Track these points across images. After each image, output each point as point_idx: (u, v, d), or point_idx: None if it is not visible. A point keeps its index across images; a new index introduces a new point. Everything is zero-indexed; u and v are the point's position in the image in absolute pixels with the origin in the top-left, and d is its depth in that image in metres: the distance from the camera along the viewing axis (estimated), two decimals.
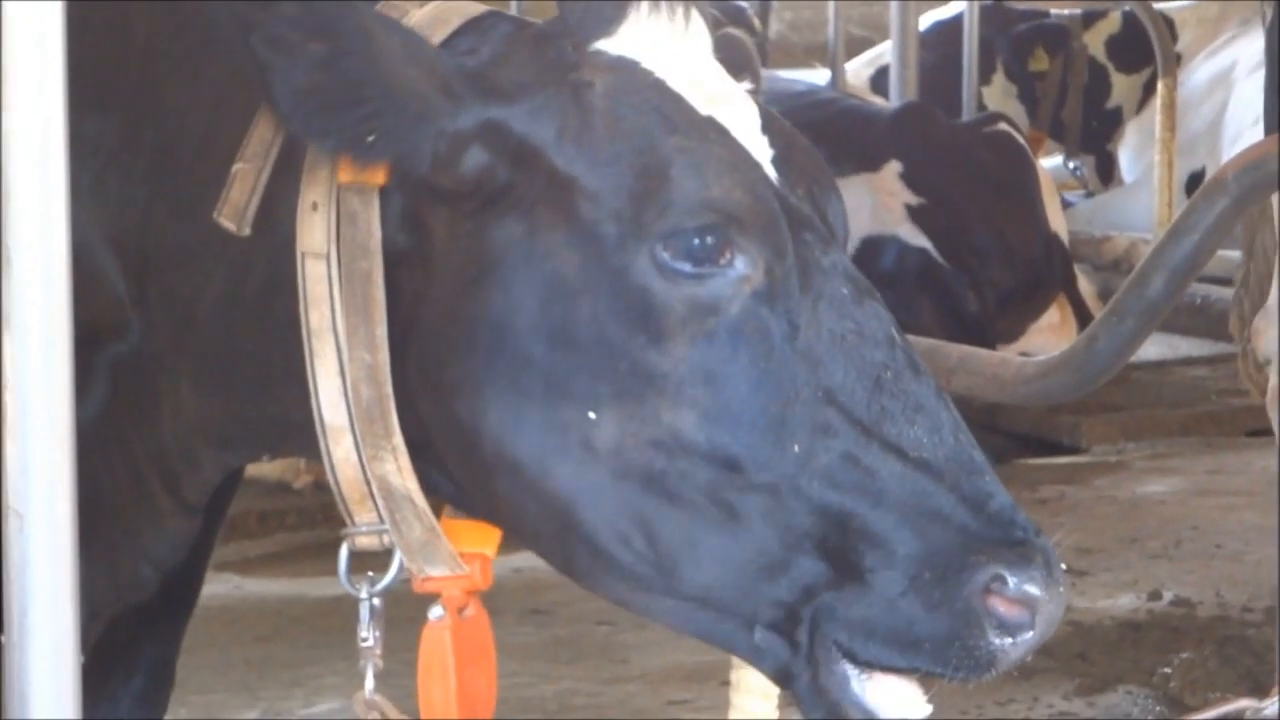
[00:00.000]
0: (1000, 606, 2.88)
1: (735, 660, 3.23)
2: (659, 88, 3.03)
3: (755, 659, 3.05)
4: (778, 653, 2.99)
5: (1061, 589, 2.91)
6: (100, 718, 3.79)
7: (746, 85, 3.13)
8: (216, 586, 3.86)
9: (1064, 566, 2.94)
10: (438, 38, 3.12)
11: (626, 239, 2.96)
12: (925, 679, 2.97)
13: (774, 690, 3.17)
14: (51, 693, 2.51)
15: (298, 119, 2.95)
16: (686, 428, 2.94)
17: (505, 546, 3.21)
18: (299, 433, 3.13)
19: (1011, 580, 2.88)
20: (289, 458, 7.04)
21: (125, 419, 3.38)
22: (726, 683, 3.30)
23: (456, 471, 3.10)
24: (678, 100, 3.02)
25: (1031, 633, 2.90)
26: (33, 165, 2.45)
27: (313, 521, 8.42)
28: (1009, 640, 2.90)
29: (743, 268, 2.95)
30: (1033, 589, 2.88)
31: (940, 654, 2.92)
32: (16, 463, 2.48)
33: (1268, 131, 6.65)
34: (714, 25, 3.16)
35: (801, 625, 2.95)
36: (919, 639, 2.91)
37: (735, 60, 3.16)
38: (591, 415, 2.96)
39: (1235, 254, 9.09)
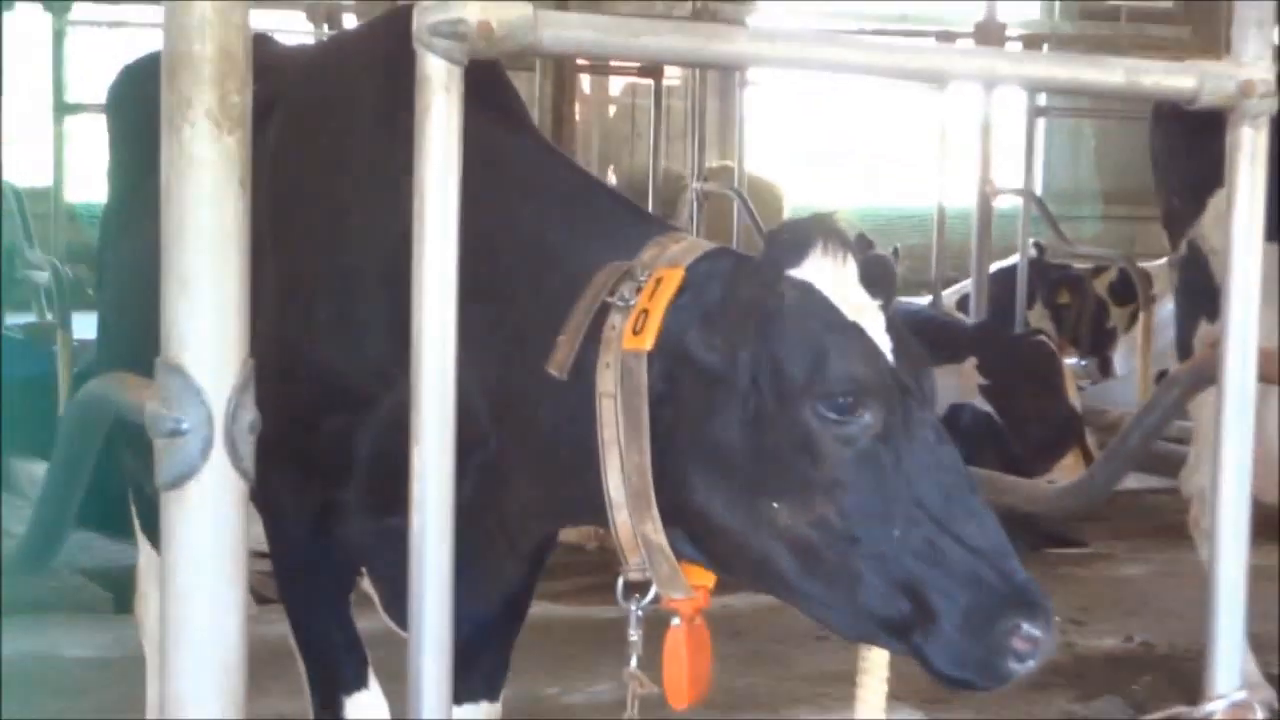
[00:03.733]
0: (1016, 642, 2.89)
1: (860, 663, 3.22)
2: (825, 302, 3.04)
3: (884, 646, 3.09)
4: (896, 647, 3.01)
5: (1054, 634, 2.93)
6: (466, 690, 3.82)
7: (879, 300, 3.12)
8: (535, 609, 3.88)
9: (1058, 619, 2.94)
10: (687, 261, 3.14)
11: (799, 397, 2.98)
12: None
13: (885, 676, 3.18)
14: (435, 673, 2.51)
15: None
16: (830, 516, 2.95)
17: (717, 588, 3.21)
18: (591, 508, 3.15)
19: (1025, 626, 2.89)
20: (583, 526, 7.03)
21: (484, 501, 3.40)
22: (854, 681, 3.27)
23: (694, 535, 3.10)
24: (835, 310, 3.03)
25: (1034, 660, 2.91)
26: (436, 345, 2.47)
27: (598, 570, 8.36)
28: (1018, 665, 2.91)
29: (869, 419, 2.97)
30: (1037, 633, 2.89)
31: (977, 670, 2.93)
32: (418, 526, 2.49)
33: (1179, 347, 6.68)
34: (863, 251, 3.17)
35: (907, 643, 2.96)
36: (966, 660, 2.92)
37: (879, 273, 3.17)
38: (775, 505, 2.98)
39: (1186, 423, 9.01)
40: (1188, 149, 6.87)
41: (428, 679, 2.49)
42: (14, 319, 12.07)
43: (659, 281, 3.13)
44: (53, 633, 7.64)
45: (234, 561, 2.23)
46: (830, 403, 2.97)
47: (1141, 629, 8.09)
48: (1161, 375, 10.15)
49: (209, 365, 2.21)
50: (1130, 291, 13.08)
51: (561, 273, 3.28)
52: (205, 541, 2.21)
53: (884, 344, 3.05)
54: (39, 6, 12.95)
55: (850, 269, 3.10)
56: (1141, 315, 11.88)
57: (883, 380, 3.00)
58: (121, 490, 5.14)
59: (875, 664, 3.20)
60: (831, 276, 3.07)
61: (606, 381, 3.11)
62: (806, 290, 3.05)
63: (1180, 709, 3.03)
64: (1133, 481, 10.34)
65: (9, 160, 12.97)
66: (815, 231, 3.09)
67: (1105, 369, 14.27)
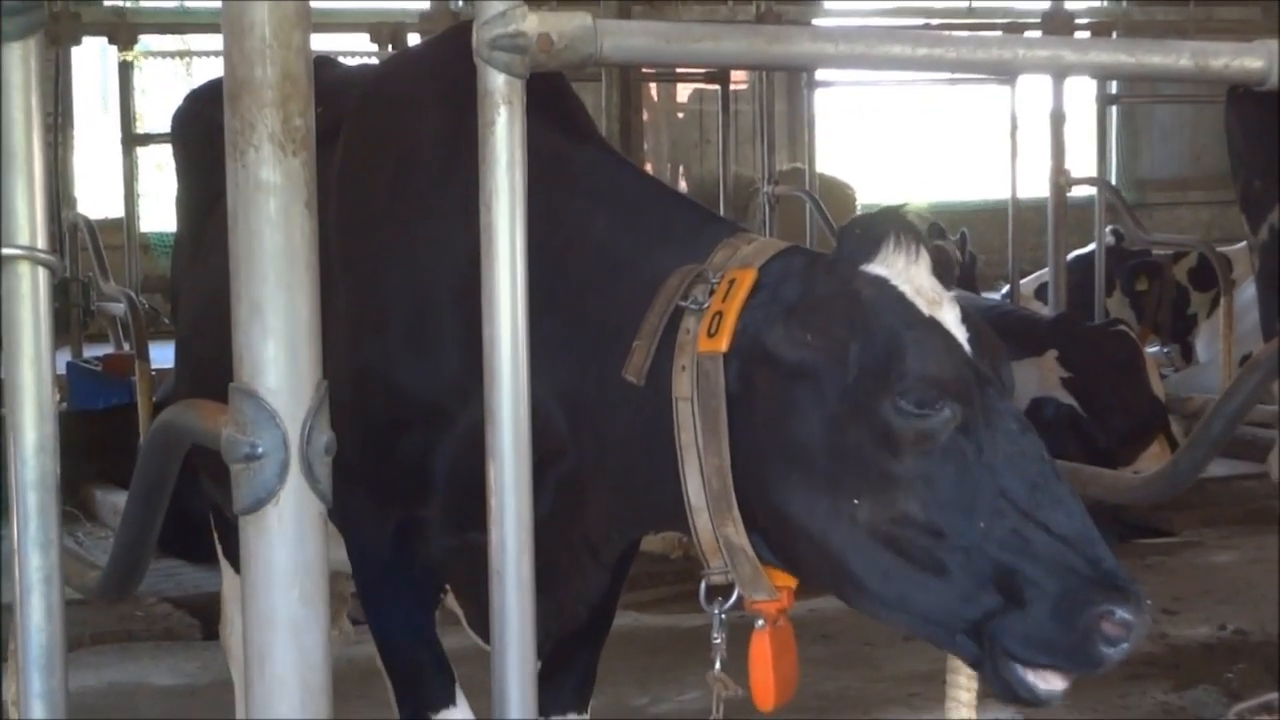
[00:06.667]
0: (1107, 628, 2.85)
1: (950, 662, 3.20)
2: (899, 296, 3.03)
3: (956, 653, 3.05)
4: (970, 649, 2.97)
5: (1147, 617, 2.89)
6: (552, 702, 3.83)
7: (952, 292, 3.11)
8: (621, 619, 3.88)
9: (1149, 602, 2.91)
10: (759, 261, 3.14)
11: (877, 392, 2.96)
12: (1065, 674, 2.95)
13: (975, 677, 3.14)
14: (518, 688, 2.52)
15: None
16: (913, 511, 2.93)
17: (804, 593, 3.20)
18: (670, 514, 3.15)
19: (1116, 612, 2.85)
20: (666, 534, 7.03)
21: (564, 513, 3.41)
22: (944, 681, 3.26)
23: (773, 537, 3.08)
24: (910, 304, 3.02)
25: (1127, 645, 2.88)
26: (508, 358, 2.47)
27: (683, 579, 8.38)
28: (1111, 649, 2.87)
29: (949, 412, 2.95)
30: (1128, 616, 2.86)
31: (1068, 656, 2.90)
32: (498, 541, 2.50)
33: (1264, 331, 6.62)
34: (936, 238, 3.18)
35: (985, 635, 2.93)
36: (1056, 646, 2.89)
37: (942, 262, 3.16)
38: (855, 502, 2.96)
39: (1271, 408, 8.95)
40: (1267, 130, 6.81)
41: (513, 692, 2.49)
42: (91, 351, 12.18)
43: (732, 283, 3.13)
44: (141, 661, 7.71)
45: (314, 583, 2.24)
46: (910, 397, 2.96)
47: (1234, 617, 8.03)
48: (1245, 360, 10.11)
49: (283, 388, 2.22)
50: (1211, 277, 12.97)
51: (633, 279, 3.28)
52: (284, 565, 2.23)
53: (961, 335, 3.05)
54: (105, 40, 13.05)
55: (924, 261, 3.08)
56: (1223, 300, 11.80)
57: (961, 374, 2.99)
58: (205, 516, 5.18)
59: (964, 663, 3.18)
60: (905, 269, 3.06)
61: (683, 385, 3.11)
62: (881, 285, 3.04)
63: (1276, 695, 3.01)
64: (1220, 468, 10.32)
65: (81, 193, 13.09)
66: (886, 225, 3.08)
67: (1187, 355, 14.17)
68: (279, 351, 2.22)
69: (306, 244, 2.22)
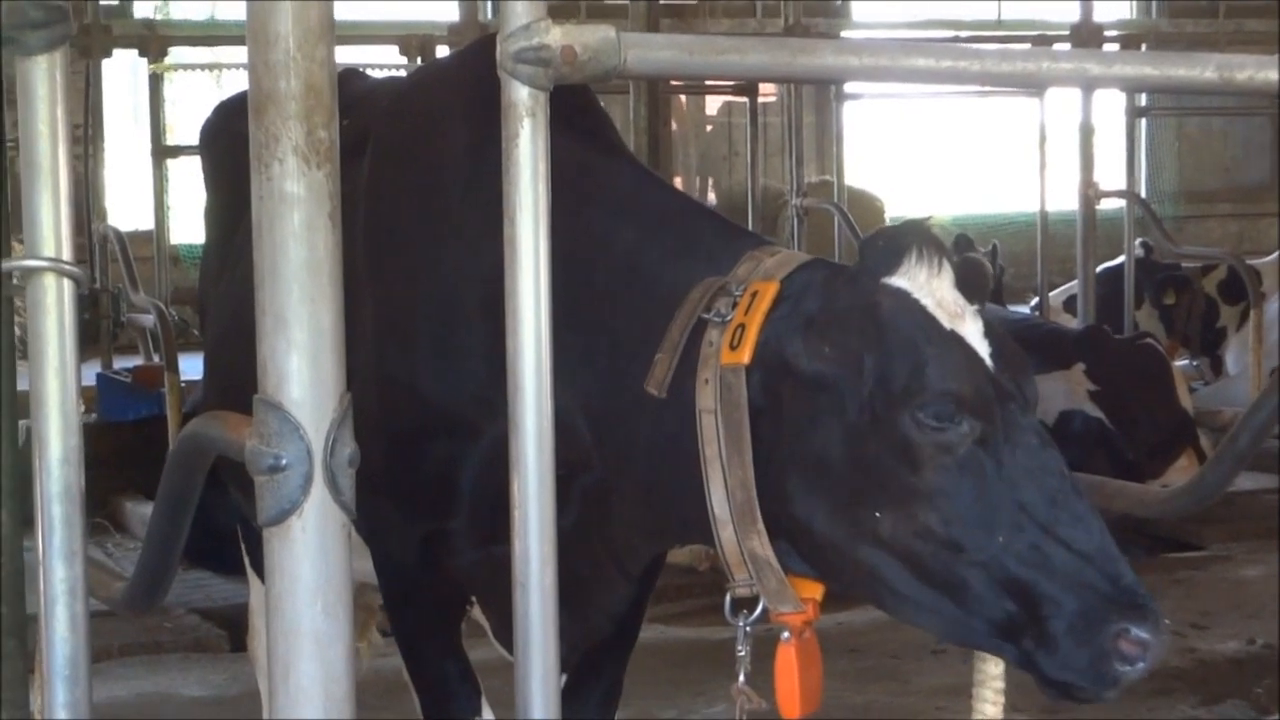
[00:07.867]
0: (1125, 646, 2.86)
1: (976, 675, 3.19)
2: (920, 309, 3.02)
3: (994, 652, 3.05)
4: (1013, 654, 2.97)
5: (1165, 636, 2.89)
6: (577, 716, 3.83)
7: (976, 305, 3.10)
8: (648, 632, 3.88)
9: (1168, 622, 2.91)
10: (782, 274, 3.14)
11: (897, 405, 2.96)
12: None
13: (1001, 688, 3.14)
14: (542, 700, 2.51)
15: None
16: (933, 524, 2.94)
17: (831, 606, 3.19)
18: (695, 526, 3.15)
19: (1133, 630, 2.86)
20: (693, 546, 7.02)
21: (589, 524, 3.41)
22: (971, 695, 3.25)
23: (799, 547, 3.08)
24: (931, 318, 3.01)
25: (1143, 664, 2.88)
26: (532, 370, 2.47)
27: (711, 592, 8.36)
28: (1128, 668, 2.88)
29: (967, 427, 2.94)
30: (1146, 635, 2.86)
31: (1085, 674, 2.90)
32: (521, 552, 2.49)
33: None
34: (964, 251, 3.16)
35: (1023, 639, 2.93)
36: (1073, 664, 2.90)
37: (974, 278, 3.15)
38: (877, 515, 2.97)
39: None
40: None
41: (536, 704, 2.49)
42: (121, 362, 12.21)
43: (754, 295, 3.13)
44: (170, 672, 7.73)
45: (337, 595, 2.24)
46: (929, 411, 2.96)
47: (1263, 631, 8.00)
48: (1275, 373, 10.08)
49: (307, 401, 2.23)
50: (1240, 290, 12.94)
51: (657, 291, 3.28)
52: (308, 576, 2.23)
53: (982, 349, 3.04)
54: (135, 52, 13.11)
55: (946, 274, 3.08)
56: (1252, 313, 11.78)
57: (981, 388, 2.98)
58: (233, 528, 5.18)
59: (990, 676, 3.17)
60: (927, 282, 3.05)
61: (706, 398, 3.11)
62: (902, 297, 3.04)
63: None
64: (1248, 482, 10.28)
65: (112, 205, 13.13)
66: (909, 238, 3.07)
67: (1217, 369, 14.12)
68: (303, 364, 2.22)
69: (330, 256, 2.23)
